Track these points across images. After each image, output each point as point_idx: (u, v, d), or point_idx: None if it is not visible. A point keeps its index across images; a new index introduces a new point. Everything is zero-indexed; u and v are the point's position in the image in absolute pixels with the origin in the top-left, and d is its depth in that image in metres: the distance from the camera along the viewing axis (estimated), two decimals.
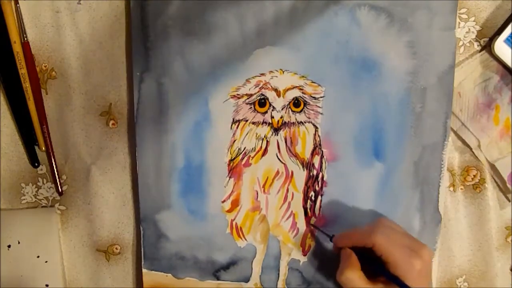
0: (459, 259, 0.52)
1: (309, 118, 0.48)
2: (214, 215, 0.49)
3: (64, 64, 0.48)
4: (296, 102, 0.47)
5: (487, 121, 0.49)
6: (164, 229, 0.49)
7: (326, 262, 0.50)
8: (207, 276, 0.50)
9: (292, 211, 0.49)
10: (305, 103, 0.47)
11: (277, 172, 0.48)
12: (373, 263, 0.43)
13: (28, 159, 0.50)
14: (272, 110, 0.47)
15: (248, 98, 0.47)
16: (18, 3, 0.47)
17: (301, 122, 0.48)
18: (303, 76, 0.47)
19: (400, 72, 0.47)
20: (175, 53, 0.47)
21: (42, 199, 0.50)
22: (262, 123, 0.48)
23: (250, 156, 0.48)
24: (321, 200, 0.49)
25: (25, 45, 0.47)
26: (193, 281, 0.50)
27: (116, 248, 0.51)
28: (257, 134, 0.48)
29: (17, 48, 0.47)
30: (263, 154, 0.48)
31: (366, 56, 0.47)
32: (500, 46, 0.47)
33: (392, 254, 0.42)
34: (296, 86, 0.47)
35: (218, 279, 0.50)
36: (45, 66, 0.48)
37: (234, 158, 0.48)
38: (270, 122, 0.48)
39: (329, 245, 0.49)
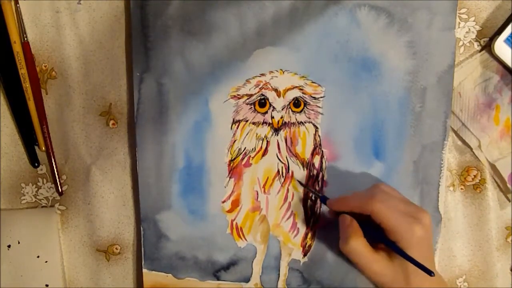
0: (459, 259, 0.52)
1: (309, 118, 0.48)
2: (214, 215, 0.49)
3: (64, 64, 0.48)
4: (296, 102, 0.47)
5: (487, 121, 0.49)
6: (164, 229, 0.49)
7: (326, 262, 0.50)
8: (207, 276, 0.50)
9: (292, 211, 0.49)
10: (305, 103, 0.47)
11: (277, 172, 0.48)
12: (372, 230, 0.42)
13: (28, 159, 0.49)
14: (272, 110, 0.47)
15: (248, 99, 0.47)
16: (18, 3, 0.47)
17: (301, 122, 0.48)
18: (303, 76, 0.47)
19: (400, 72, 0.47)
20: (175, 53, 0.47)
21: (42, 199, 0.50)
22: (262, 123, 0.48)
23: (250, 156, 0.48)
24: None
25: (25, 45, 0.47)
26: (193, 281, 0.50)
27: (116, 248, 0.51)
28: (257, 134, 0.48)
29: (17, 48, 0.47)
30: (263, 154, 0.48)
31: (366, 56, 0.47)
32: (500, 46, 0.47)
33: (391, 221, 0.40)
34: (296, 86, 0.47)
35: (218, 279, 0.50)
36: (45, 66, 0.48)
37: (234, 158, 0.48)
38: (270, 122, 0.48)
39: (329, 244, 0.49)
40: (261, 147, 0.48)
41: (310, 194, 0.49)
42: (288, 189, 0.49)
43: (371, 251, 0.42)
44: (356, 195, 0.44)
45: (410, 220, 0.40)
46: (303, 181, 0.48)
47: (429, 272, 0.39)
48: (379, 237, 0.42)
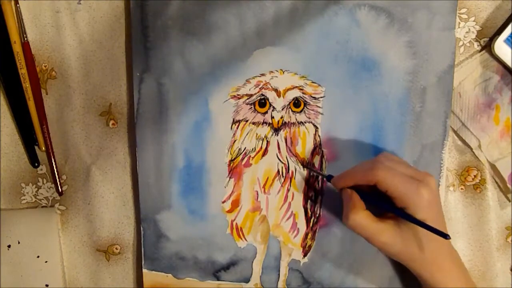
0: None
1: (309, 118, 0.48)
2: (214, 216, 0.49)
3: (64, 64, 0.48)
4: (296, 102, 0.47)
5: (487, 121, 0.49)
6: (164, 229, 0.49)
7: (326, 262, 0.50)
8: (207, 276, 0.50)
9: (292, 211, 0.49)
10: (305, 103, 0.47)
11: (278, 172, 0.48)
12: (379, 200, 0.41)
13: (28, 159, 0.49)
14: (272, 111, 0.47)
15: (248, 99, 0.47)
16: (18, 3, 0.47)
17: (301, 122, 0.48)
18: (303, 76, 0.47)
19: (399, 72, 0.47)
20: (175, 53, 0.47)
21: (42, 199, 0.50)
22: (262, 123, 0.48)
23: (250, 156, 0.48)
24: (321, 200, 0.49)
25: (25, 45, 0.47)
26: (193, 282, 0.50)
27: (116, 248, 0.51)
28: (257, 134, 0.48)
29: (17, 48, 0.47)
30: (263, 154, 0.48)
31: (366, 56, 0.47)
32: (500, 46, 0.47)
33: (397, 187, 0.39)
34: (296, 86, 0.47)
35: (218, 279, 0.50)
36: (45, 66, 0.48)
37: (234, 159, 0.48)
38: (270, 122, 0.48)
39: (329, 244, 0.49)
40: (261, 147, 0.48)
41: (310, 194, 0.49)
42: (288, 189, 0.49)
43: (375, 222, 0.41)
44: (359, 167, 0.43)
45: (416, 183, 0.39)
46: (303, 182, 0.48)
47: (445, 236, 0.37)
48: (387, 206, 0.40)
